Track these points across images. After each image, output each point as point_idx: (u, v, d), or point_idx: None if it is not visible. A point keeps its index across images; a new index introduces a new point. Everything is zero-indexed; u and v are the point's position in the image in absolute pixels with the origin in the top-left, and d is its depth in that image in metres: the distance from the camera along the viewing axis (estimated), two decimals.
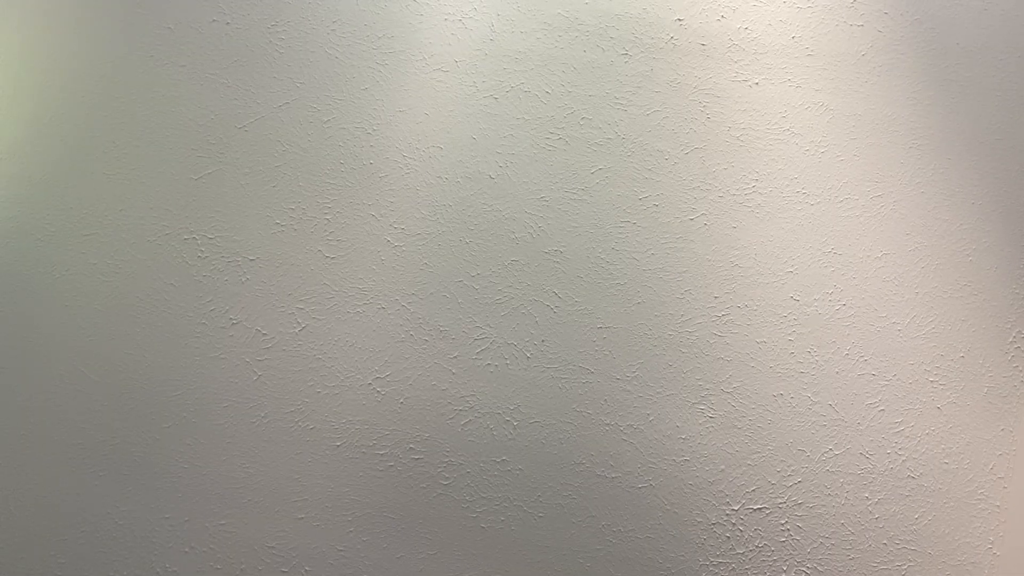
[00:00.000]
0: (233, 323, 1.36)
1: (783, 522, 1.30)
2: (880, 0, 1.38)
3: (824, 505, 1.30)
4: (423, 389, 1.34)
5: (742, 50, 1.38)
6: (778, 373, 1.32)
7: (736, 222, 1.35)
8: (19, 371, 1.38)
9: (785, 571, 1.29)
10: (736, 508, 1.30)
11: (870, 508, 1.30)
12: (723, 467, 1.31)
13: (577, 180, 1.37)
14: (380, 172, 1.38)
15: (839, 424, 1.31)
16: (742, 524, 1.30)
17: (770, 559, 1.30)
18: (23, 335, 1.39)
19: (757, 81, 1.37)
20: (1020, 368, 1.32)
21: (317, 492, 1.34)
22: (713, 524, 1.30)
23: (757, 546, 1.30)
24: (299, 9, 1.42)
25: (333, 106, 1.40)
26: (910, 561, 1.29)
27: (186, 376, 1.36)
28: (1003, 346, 1.33)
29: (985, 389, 1.32)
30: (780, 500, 1.30)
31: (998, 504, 1.30)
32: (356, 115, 1.39)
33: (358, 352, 1.35)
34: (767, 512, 1.30)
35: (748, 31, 1.38)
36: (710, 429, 1.32)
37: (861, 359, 1.32)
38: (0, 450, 1.37)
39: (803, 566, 1.29)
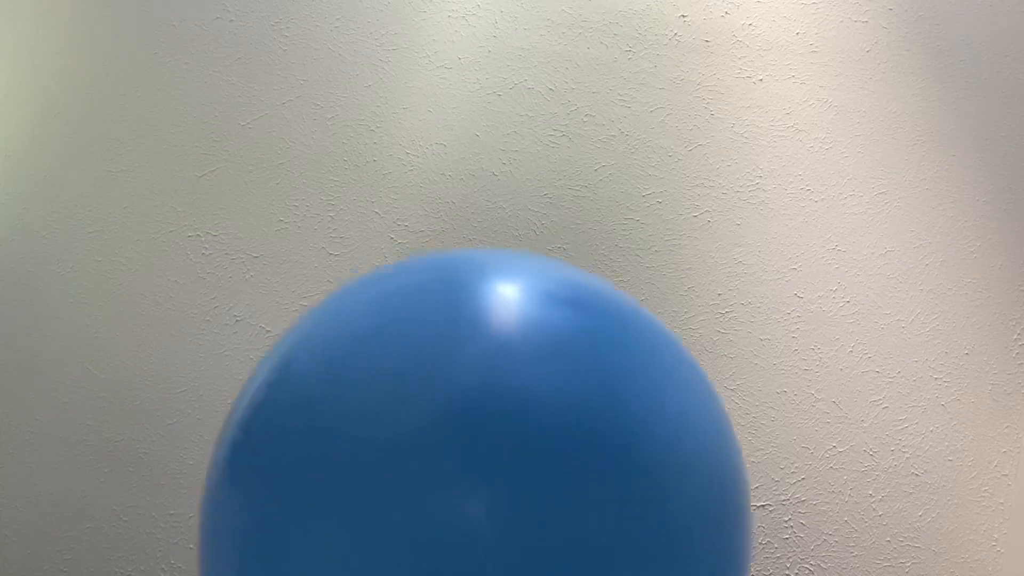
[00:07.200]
0: (237, 320, 1.37)
1: (787, 519, 1.30)
2: None
3: (828, 502, 1.30)
4: None
5: (746, 46, 1.37)
6: (781, 370, 1.32)
7: (739, 219, 1.35)
8: (24, 369, 1.38)
9: (788, 568, 1.29)
10: None
11: (874, 505, 1.30)
12: None
13: (580, 177, 1.37)
14: (383, 169, 1.38)
15: (843, 421, 1.31)
16: None
17: (773, 556, 1.30)
18: (27, 333, 1.39)
19: (761, 78, 1.37)
20: None
21: None
22: None
23: (760, 543, 1.30)
24: (302, 6, 1.42)
25: (336, 103, 1.40)
26: (914, 558, 1.29)
27: (190, 373, 1.36)
28: (1008, 343, 1.32)
29: (990, 386, 1.31)
30: (783, 497, 1.30)
31: (1002, 501, 1.30)
32: (359, 112, 1.39)
33: None
34: (770, 509, 1.30)
35: (752, 27, 1.38)
36: None
37: (865, 356, 1.32)
38: (5, 447, 1.37)
39: (806, 563, 1.29)
